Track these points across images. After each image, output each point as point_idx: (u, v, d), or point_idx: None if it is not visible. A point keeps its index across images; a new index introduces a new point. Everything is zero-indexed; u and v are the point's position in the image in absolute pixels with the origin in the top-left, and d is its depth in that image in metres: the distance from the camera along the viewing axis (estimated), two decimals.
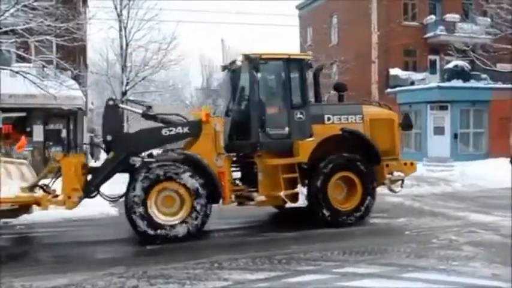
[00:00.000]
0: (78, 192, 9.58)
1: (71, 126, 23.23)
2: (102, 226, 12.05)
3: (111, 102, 10.11)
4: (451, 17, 31.41)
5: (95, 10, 35.03)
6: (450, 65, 27.87)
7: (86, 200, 14.10)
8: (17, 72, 18.78)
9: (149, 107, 11.10)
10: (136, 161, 9.70)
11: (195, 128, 10.08)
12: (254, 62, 10.23)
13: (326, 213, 10.48)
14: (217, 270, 7.43)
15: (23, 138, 16.79)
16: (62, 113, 22.20)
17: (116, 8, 30.60)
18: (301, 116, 10.51)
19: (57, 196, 9.70)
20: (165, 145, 10.58)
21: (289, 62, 10.62)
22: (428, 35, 31.60)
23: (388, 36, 28.58)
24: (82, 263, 8.22)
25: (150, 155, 10.04)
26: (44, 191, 9.80)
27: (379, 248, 8.59)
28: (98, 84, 40.53)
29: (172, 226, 9.53)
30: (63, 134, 23.07)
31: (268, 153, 10.45)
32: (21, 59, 20.29)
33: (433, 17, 32.12)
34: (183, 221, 9.57)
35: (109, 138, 9.83)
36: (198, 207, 9.55)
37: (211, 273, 7.23)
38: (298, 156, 10.30)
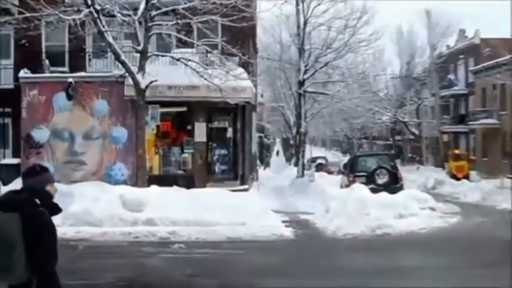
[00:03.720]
0: None
1: (238, 124, 24.06)
2: (275, 251, 12.30)
3: None
4: None
5: None
6: None
7: (255, 219, 14.70)
8: (177, 60, 20.18)
9: None
10: None
11: None
12: None
13: None
14: None
15: None
16: (228, 108, 23.09)
17: None
18: None
19: None
20: None
21: None
22: None
23: None
24: None
25: None
26: None
27: None
28: (269, 73, 41.92)
29: None
30: (229, 133, 23.99)
31: None
32: (182, 43, 21.64)
33: None
34: None
35: None
36: None
37: None
38: None
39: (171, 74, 20.95)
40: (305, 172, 32.11)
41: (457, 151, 41.34)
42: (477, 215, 18.50)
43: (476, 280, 9.18)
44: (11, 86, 22.74)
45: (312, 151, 56.88)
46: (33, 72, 22.56)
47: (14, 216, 3.95)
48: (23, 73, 22.47)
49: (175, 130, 23.16)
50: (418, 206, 17.66)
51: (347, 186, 22.50)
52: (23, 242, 3.92)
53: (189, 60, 20.00)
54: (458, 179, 32.74)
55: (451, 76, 55.78)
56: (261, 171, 41.42)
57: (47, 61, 22.96)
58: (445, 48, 55.05)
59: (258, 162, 41.65)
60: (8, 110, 23.38)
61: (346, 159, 39.24)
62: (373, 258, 11.23)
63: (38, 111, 22.08)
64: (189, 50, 21.34)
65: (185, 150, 22.88)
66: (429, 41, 45.83)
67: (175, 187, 18.66)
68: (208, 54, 20.88)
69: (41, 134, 21.98)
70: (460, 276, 9.63)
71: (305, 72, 30.80)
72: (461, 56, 55.19)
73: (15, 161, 22.19)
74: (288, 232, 14.42)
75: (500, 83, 42.83)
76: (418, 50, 54.37)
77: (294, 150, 47.69)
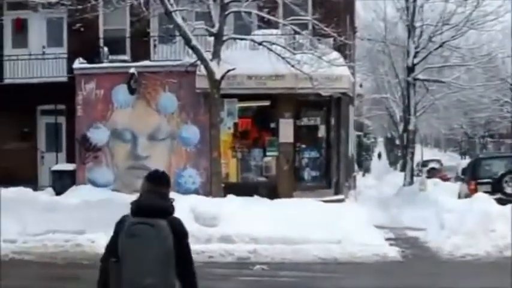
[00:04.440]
0: None
1: (332, 121, 24.02)
2: (377, 275, 12.33)
3: None
4: None
5: None
6: None
7: (353, 236, 14.77)
8: (259, 44, 20.41)
9: None
10: None
11: None
12: None
13: None
14: None
15: None
16: (320, 101, 23.04)
17: None
18: None
19: None
20: None
21: None
22: None
23: None
24: None
25: None
26: None
27: None
28: (370, 57, 41.66)
29: None
30: (321, 132, 23.99)
31: None
32: (264, 24, 21.84)
33: None
34: None
35: None
36: None
37: None
38: None
39: (252, 60, 21.14)
40: (414, 179, 31.81)
41: None
42: None
43: None
44: (65, 79, 23.49)
45: (423, 153, 56.14)
46: (89, 62, 23.22)
47: (165, 223, 4.69)
48: (78, 63, 23.16)
49: (257, 129, 23.36)
50: None
51: (467, 196, 22.16)
52: (174, 250, 4.68)
53: (273, 43, 20.16)
54: None
55: None
56: (360, 178, 41.24)
57: (105, 49, 23.55)
58: None
59: (356, 166, 41.48)
60: (61, 107, 24.23)
61: (466, 162, 38.55)
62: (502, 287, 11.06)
63: (95, 107, 22.82)
64: (273, 31, 21.51)
65: (268, 153, 23.03)
66: None
67: (256, 197, 18.90)
68: (297, 36, 20.99)
69: (98, 135, 22.70)
70: None
71: (415, 56, 30.48)
72: None
73: (70, 166, 22.99)
74: (393, 252, 14.42)
75: None
76: None
77: (400, 152, 47.23)
